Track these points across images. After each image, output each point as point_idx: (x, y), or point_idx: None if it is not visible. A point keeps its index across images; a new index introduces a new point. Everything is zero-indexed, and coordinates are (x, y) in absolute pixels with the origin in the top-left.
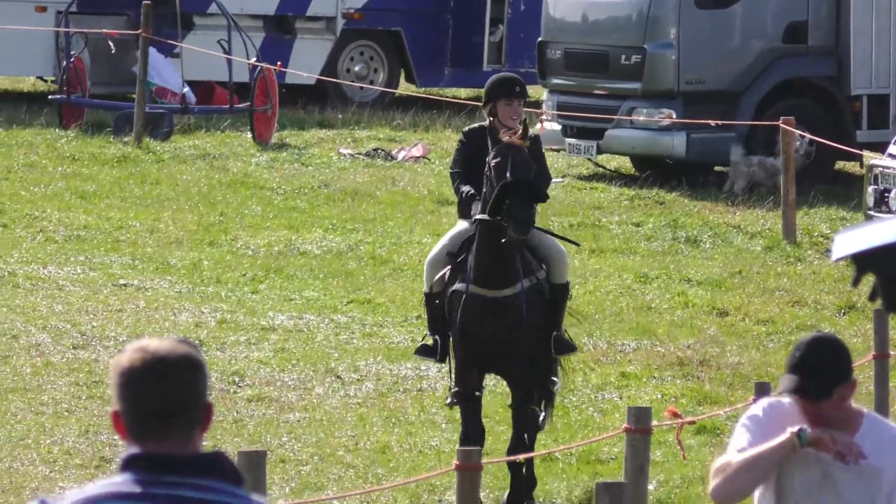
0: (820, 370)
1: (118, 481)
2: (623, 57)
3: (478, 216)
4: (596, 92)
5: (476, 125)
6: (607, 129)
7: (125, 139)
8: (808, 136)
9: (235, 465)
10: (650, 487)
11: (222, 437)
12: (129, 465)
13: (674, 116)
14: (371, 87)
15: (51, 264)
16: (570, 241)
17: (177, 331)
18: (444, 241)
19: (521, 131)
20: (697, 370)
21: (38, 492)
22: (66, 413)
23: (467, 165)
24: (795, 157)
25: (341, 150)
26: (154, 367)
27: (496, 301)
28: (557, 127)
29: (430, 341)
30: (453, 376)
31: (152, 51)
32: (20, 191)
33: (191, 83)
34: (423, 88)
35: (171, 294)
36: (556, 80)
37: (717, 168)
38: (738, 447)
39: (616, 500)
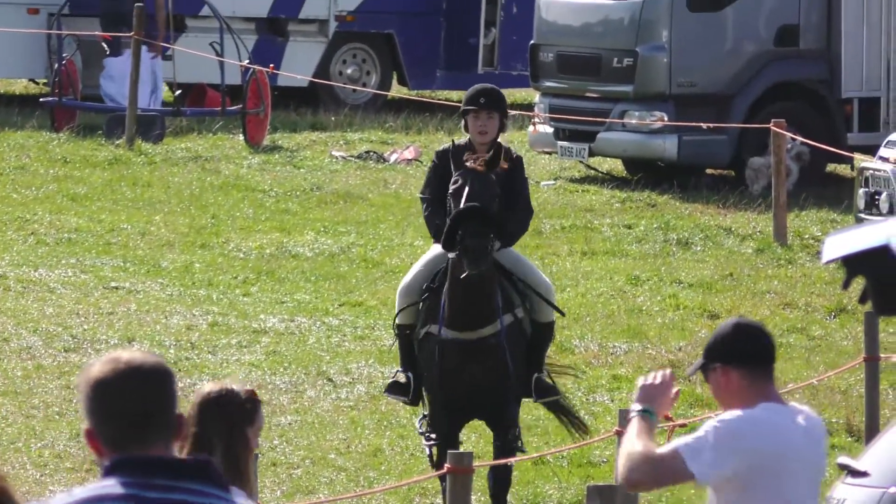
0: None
1: (107, 484)
2: (615, 60)
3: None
4: (588, 95)
5: (449, 144)
6: (599, 131)
7: (117, 142)
8: (800, 138)
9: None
10: None
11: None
12: (116, 469)
13: (665, 119)
14: (363, 89)
15: (42, 267)
16: (555, 307)
17: (168, 334)
18: (418, 266)
19: (489, 155)
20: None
21: (29, 496)
22: (57, 416)
23: (438, 189)
24: (791, 160)
25: (333, 153)
26: (128, 375)
27: (473, 344)
28: (550, 130)
29: (401, 378)
30: (428, 421)
31: (115, 61)
32: (11, 193)
33: (182, 85)
34: (416, 91)
35: (163, 297)
36: (548, 83)
37: (708, 171)
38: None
39: (607, 502)
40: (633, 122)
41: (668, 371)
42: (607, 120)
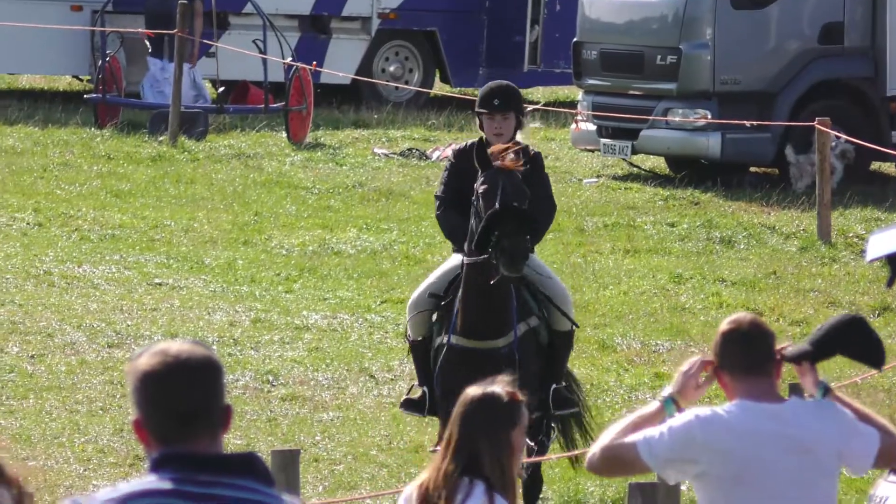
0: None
1: (151, 479)
2: (658, 57)
3: (465, 258)
4: (631, 92)
5: (468, 142)
6: (642, 129)
7: (160, 138)
8: (844, 136)
9: (267, 467)
10: (683, 488)
11: (256, 436)
12: (161, 464)
13: (709, 117)
14: (406, 87)
15: (86, 263)
16: (570, 319)
17: (211, 330)
18: (430, 279)
19: (511, 152)
20: None
21: (72, 490)
22: (101, 411)
23: (455, 189)
24: (836, 158)
25: (376, 150)
26: (175, 369)
27: (484, 354)
28: (592, 127)
29: (416, 394)
30: (438, 436)
31: (155, 62)
32: (56, 189)
33: (225, 83)
34: (458, 88)
35: (206, 293)
36: (591, 81)
37: (752, 168)
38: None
39: (649, 501)
40: (677, 119)
41: (697, 359)
42: (650, 117)
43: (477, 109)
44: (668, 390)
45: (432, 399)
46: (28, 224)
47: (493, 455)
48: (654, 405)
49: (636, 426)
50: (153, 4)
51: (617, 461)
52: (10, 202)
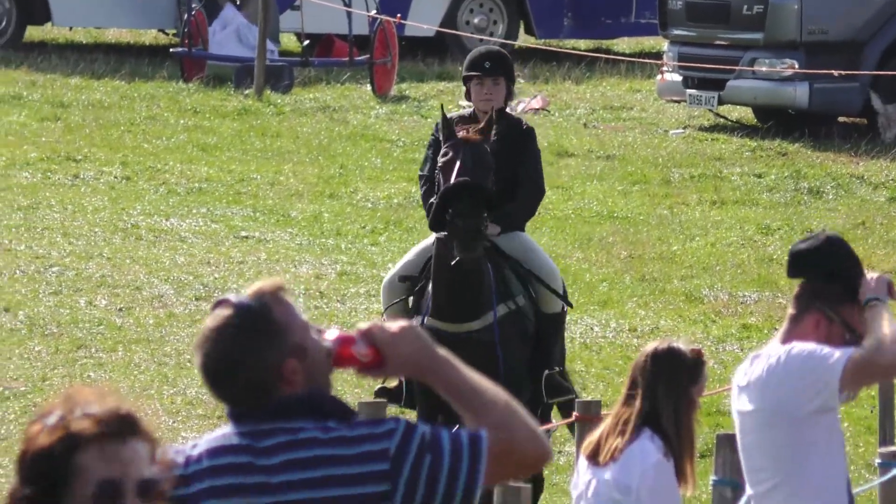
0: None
1: (226, 434)
2: (745, 7)
3: (436, 235)
4: (717, 42)
5: (454, 115)
6: (729, 79)
7: (246, 92)
8: None
9: (338, 402)
10: None
11: (343, 388)
12: (232, 417)
13: (796, 67)
14: (490, 38)
15: (173, 216)
16: (560, 297)
17: (297, 283)
18: (404, 258)
19: (482, 124)
20: None
21: (162, 441)
22: (189, 364)
23: (435, 165)
24: None
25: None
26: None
27: (459, 338)
28: (678, 78)
29: (393, 382)
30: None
31: (234, 14)
32: (143, 143)
33: (310, 36)
34: (543, 40)
35: (292, 246)
36: (677, 31)
37: (840, 118)
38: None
39: (737, 451)
40: (764, 69)
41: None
42: (737, 68)
43: (465, 73)
44: (871, 295)
45: (409, 388)
46: (116, 178)
47: (671, 408)
48: (880, 308)
49: None
50: None
51: None
52: (98, 156)
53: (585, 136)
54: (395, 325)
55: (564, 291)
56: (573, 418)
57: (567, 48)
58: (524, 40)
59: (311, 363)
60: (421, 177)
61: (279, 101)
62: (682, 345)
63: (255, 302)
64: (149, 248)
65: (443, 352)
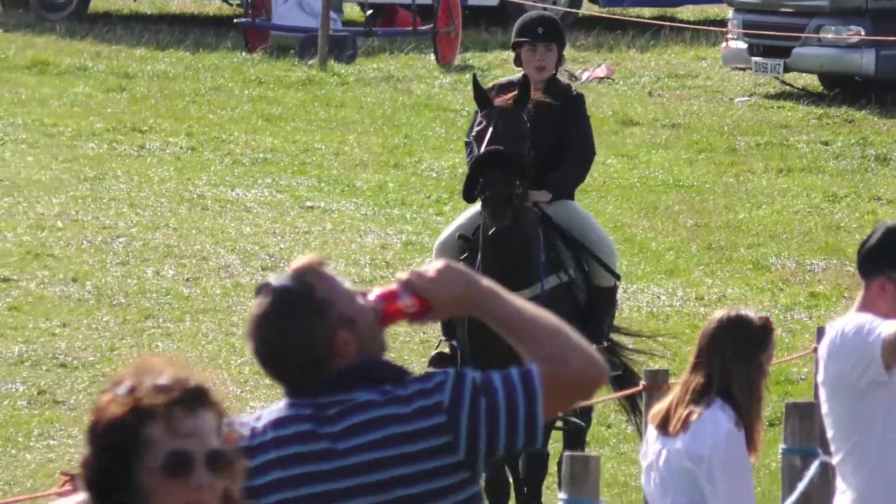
0: None
1: (286, 405)
2: None
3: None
4: (782, 10)
5: (503, 80)
6: (794, 47)
7: (310, 62)
8: None
9: (392, 365)
10: None
11: (409, 358)
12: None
13: (862, 33)
14: (554, 7)
15: (238, 187)
16: (611, 272)
17: (363, 253)
18: (459, 220)
19: (517, 92)
20: None
21: (230, 412)
22: None
23: None
24: None
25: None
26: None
27: None
28: (743, 46)
29: (445, 348)
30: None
31: None
32: (207, 114)
33: (374, 6)
34: (607, 8)
35: (357, 216)
36: None
37: None
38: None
39: (806, 420)
40: (829, 36)
41: None
42: (803, 35)
43: (515, 39)
44: None
45: (464, 354)
46: (181, 148)
47: (741, 376)
48: None
49: None
50: None
51: None
52: (164, 127)
53: (650, 104)
54: (432, 268)
55: (615, 264)
56: (641, 387)
57: (631, 16)
58: (588, 9)
59: (362, 330)
60: (466, 143)
61: (343, 71)
62: (751, 312)
63: (295, 283)
64: (215, 219)
65: (487, 282)
